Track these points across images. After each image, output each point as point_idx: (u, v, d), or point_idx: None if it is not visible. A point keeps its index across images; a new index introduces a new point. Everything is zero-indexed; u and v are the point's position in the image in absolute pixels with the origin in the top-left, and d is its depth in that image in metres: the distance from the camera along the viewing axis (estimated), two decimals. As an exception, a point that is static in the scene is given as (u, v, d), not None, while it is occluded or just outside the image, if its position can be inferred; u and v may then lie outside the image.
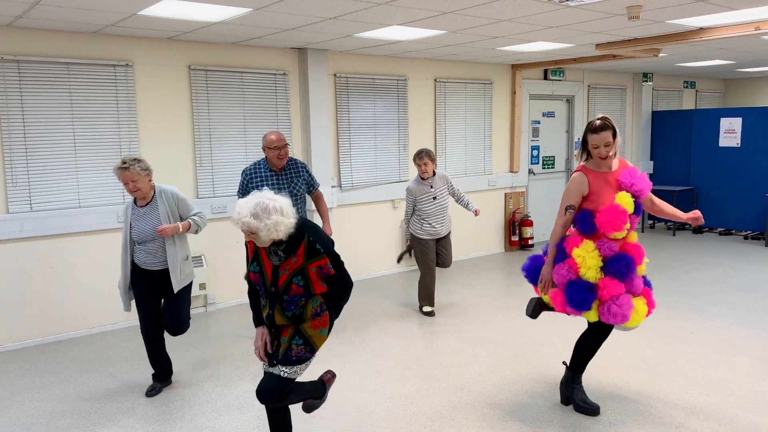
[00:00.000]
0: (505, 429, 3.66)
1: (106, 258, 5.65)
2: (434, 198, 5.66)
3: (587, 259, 3.50)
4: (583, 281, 3.49)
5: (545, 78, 9.16)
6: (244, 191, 4.92)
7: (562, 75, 9.27)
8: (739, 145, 9.51)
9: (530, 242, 8.99)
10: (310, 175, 5.11)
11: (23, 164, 5.21)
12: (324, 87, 6.76)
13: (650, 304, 3.68)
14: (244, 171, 4.99)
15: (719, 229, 10.04)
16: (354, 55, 7.11)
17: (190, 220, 4.10)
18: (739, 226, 9.66)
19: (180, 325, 4.18)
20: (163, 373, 4.33)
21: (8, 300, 5.24)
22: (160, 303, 4.21)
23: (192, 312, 4.96)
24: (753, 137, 9.36)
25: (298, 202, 4.96)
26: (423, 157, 5.60)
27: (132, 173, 3.89)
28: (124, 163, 3.90)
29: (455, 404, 3.99)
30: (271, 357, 2.93)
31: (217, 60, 6.16)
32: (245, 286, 6.52)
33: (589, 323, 3.70)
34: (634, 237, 3.65)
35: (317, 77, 6.68)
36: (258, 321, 3.03)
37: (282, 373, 2.83)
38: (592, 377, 4.33)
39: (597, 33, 6.02)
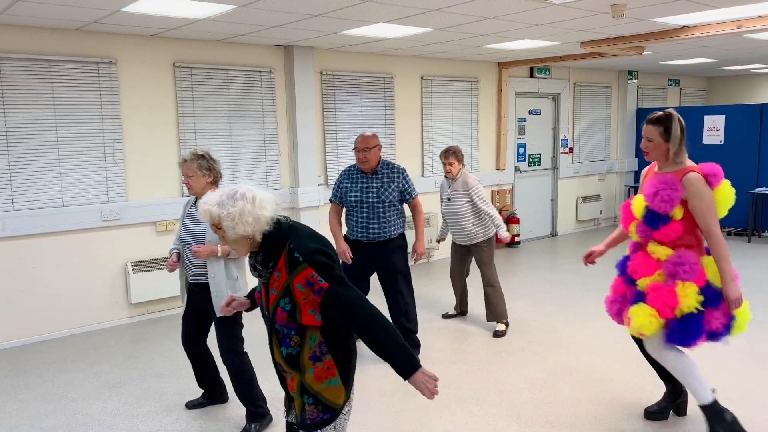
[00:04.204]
0: (492, 426, 3.67)
1: (90, 257, 5.59)
2: (448, 199, 5.29)
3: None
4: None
5: (531, 76, 9.20)
6: (334, 193, 4.71)
7: (547, 73, 9.31)
8: (723, 143, 9.61)
9: (516, 239, 9.03)
10: (406, 181, 4.61)
11: (5, 163, 5.14)
12: (310, 84, 6.73)
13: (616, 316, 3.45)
14: (341, 171, 4.79)
15: (703, 226, 10.13)
16: (340, 53, 7.10)
17: None
18: (723, 223, 9.64)
19: (223, 357, 3.62)
20: (208, 392, 3.97)
21: (-10, 300, 5.19)
22: (201, 321, 3.77)
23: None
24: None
25: (390, 211, 4.57)
26: (448, 156, 5.22)
27: (188, 167, 3.54)
28: (188, 155, 3.58)
29: (443, 401, 4.00)
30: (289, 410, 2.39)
31: (202, 57, 6.12)
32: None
33: None
34: (659, 251, 3.22)
35: (303, 75, 6.66)
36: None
37: None
38: (578, 370, 4.36)
39: (582, 31, 6.05)
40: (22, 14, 4.70)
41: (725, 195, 3.26)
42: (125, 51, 5.67)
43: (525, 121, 9.34)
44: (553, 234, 9.95)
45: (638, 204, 3.25)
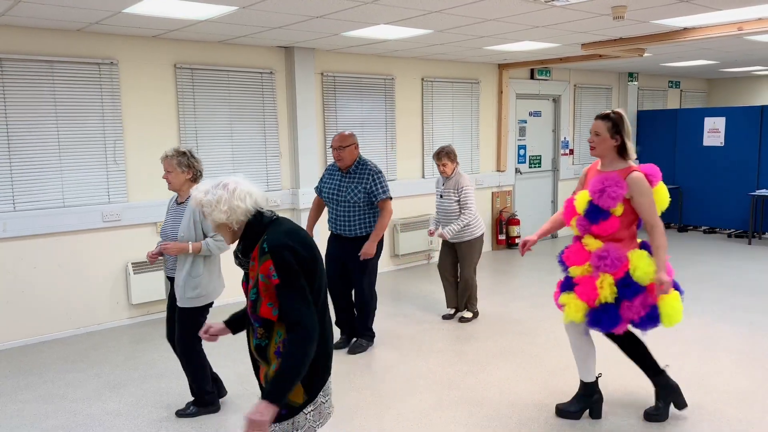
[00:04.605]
0: (492, 426, 3.67)
1: (91, 258, 5.60)
2: (440, 196, 5.50)
3: None
4: None
5: (532, 77, 9.21)
6: (317, 185, 4.97)
7: (548, 75, 9.32)
8: (723, 144, 9.61)
9: (517, 241, 9.03)
10: (374, 183, 4.66)
11: (6, 163, 5.15)
12: (311, 86, 6.74)
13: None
14: (327, 165, 4.95)
15: (703, 228, 10.14)
16: (341, 54, 7.11)
17: (202, 242, 3.62)
18: (723, 225, 9.77)
19: (178, 348, 3.77)
20: (193, 393, 3.89)
21: (-9, 300, 5.19)
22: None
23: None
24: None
25: (356, 211, 4.67)
26: (441, 157, 5.39)
27: (168, 162, 3.67)
28: (170, 151, 3.70)
29: (442, 401, 4.00)
30: None
31: (203, 58, 6.13)
32: (229, 289, 6.49)
33: None
34: (591, 243, 3.45)
35: (304, 76, 6.67)
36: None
37: None
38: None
39: (583, 33, 6.05)
40: (23, 15, 4.71)
41: (662, 195, 3.51)
42: (126, 52, 5.68)
43: (525, 122, 9.35)
44: (554, 236, 9.95)
45: (582, 199, 3.44)
